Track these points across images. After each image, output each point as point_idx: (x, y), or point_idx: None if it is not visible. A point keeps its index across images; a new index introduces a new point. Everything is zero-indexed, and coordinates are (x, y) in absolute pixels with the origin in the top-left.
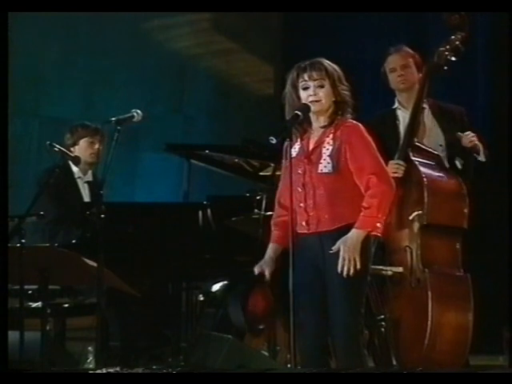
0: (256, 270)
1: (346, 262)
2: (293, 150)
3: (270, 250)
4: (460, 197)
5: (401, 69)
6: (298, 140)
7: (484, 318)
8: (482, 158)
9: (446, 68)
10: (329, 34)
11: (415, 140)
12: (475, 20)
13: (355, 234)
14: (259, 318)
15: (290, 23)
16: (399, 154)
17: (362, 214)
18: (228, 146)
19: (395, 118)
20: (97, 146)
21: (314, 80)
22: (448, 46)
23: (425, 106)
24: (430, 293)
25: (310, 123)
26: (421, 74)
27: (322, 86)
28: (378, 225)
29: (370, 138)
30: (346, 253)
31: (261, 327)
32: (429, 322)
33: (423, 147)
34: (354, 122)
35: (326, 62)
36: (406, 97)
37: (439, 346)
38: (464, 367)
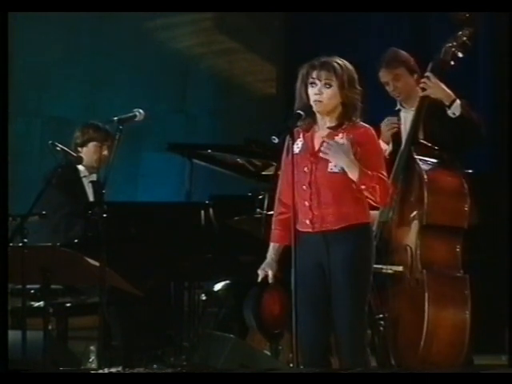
0: (260, 273)
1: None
2: (295, 146)
3: (272, 250)
4: (461, 196)
5: (392, 82)
6: (301, 136)
7: (487, 317)
8: (453, 110)
9: (452, 63)
10: (331, 34)
11: (420, 137)
12: (479, 18)
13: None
14: (273, 322)
15: (292, 23)
16: (403, 150)
17: None
18: (230, 146)
19: (398, 119)
20: (104, 153)
21: (322, 79)
22: (455, 43)
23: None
24: (426, 294)
25: (315, 120)
26: (416, 76)
27: (328, 87)
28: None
29: (380, 144)
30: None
31: (276, 331)
32: (425, 324)
33: (426, 144)
34: (366, 125)
35: (338, 63)
36: (407, 101)
37: (436, 347)
38: (467, 366)
